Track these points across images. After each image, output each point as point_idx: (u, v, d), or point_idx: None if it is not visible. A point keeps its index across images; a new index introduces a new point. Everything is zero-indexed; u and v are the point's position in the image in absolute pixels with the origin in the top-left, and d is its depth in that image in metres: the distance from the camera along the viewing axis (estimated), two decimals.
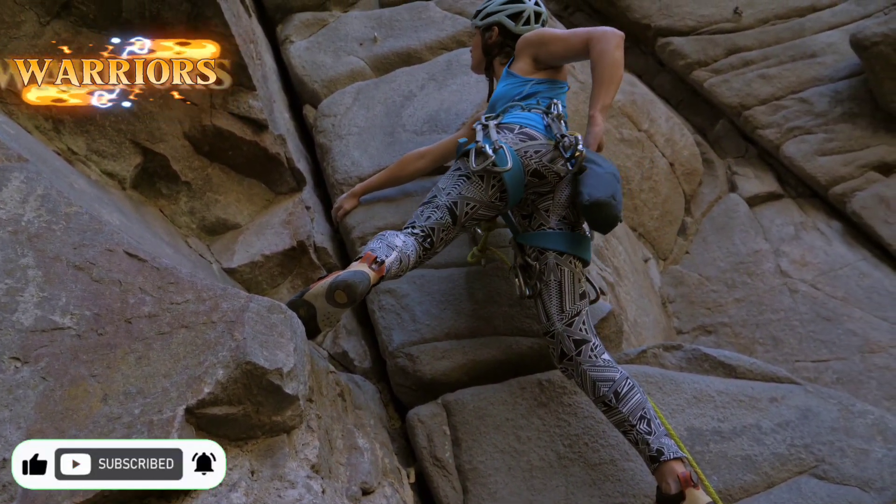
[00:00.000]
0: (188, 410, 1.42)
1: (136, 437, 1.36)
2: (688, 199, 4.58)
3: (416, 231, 2.17)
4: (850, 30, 4.67)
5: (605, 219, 2.13)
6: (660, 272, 4.26)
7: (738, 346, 3.85)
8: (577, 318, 2.23)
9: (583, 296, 2.28)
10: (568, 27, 2.85)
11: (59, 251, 1.63)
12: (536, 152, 2.25)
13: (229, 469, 1.48)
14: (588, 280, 2.36)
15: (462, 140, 2.43)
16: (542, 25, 2.75)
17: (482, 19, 2.78)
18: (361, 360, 2.84)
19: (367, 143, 3.28)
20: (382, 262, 1.94)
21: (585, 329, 2.22)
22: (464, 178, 2.24)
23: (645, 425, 2.06)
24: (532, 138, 2.27)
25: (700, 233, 4.48)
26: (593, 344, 2.19)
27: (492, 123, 2.33)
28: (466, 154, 2.26)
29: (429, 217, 2.21)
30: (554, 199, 2.32)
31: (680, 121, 4.83)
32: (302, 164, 3.25)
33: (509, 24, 2.70)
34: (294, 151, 3.20)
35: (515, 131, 2.29)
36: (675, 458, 2.00)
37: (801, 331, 3.86)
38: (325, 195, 3.37)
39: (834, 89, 4.65)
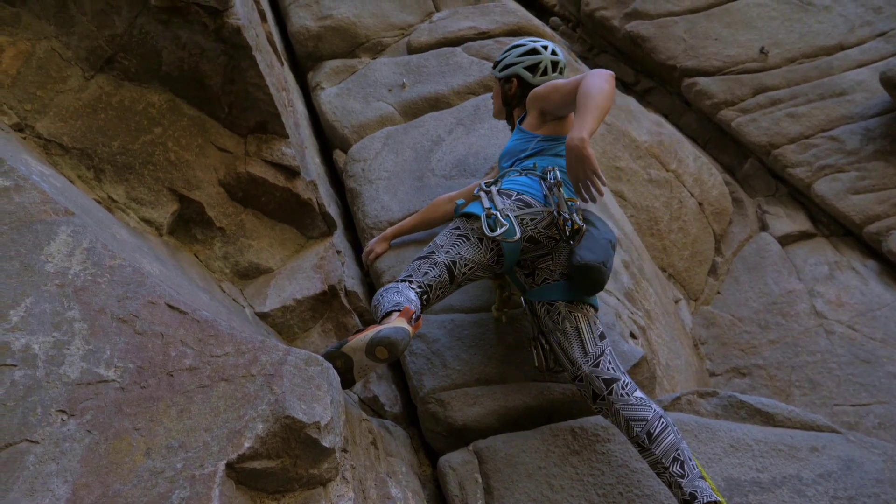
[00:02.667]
0: (229, 465, 1.43)
1: (178, 492, 1.37)
2: (718, 239, 4.54)
3: (413, 286, 2.18)
4: (880, 67, 4.66)
5: (591, 283, 2.20)
6: (691, 313, 4.21)
7: (774, 388, 3.77)
8: (602, 357, 2.23)
9: (602, 336, 2.30)
10: (592, 68, 2.88)
11: (104, 304, 1.67)
12: (532, 219, 2.30)
13: None
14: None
15: (460, 202, 2.50)
16: (561, 74, 2.78)
17: (500, 70, 2.82)
18: (392, 405, 2.83)
19: (396, 188, 3.33)
20: (419, 317, 1.97)
21: (613, 368, 2.22)
22: (463, 238, 2.28)
23: (678, 468, 2.04)
24: (528, 206, 2.31)
25: (731, 273, 4.44)
26: (624, 382, 2.19)
27: (494, 189, 2.38)
28: (466, 216, 2.31)
29: (426, 273, 2.22)
30: (553, 260, 2.38)
31: (708, 160, 4.82)
32: (332, 209, 3.30)
33: (527, 76, 2.74)
34: (325, 196, 3.26)
35: (513, 198, 2.33)
36: (708, 503, 1.97)
37: (839, 374, 3.78)
38: (356, 239, 3.41)
39: (865, 127, 4.62)
